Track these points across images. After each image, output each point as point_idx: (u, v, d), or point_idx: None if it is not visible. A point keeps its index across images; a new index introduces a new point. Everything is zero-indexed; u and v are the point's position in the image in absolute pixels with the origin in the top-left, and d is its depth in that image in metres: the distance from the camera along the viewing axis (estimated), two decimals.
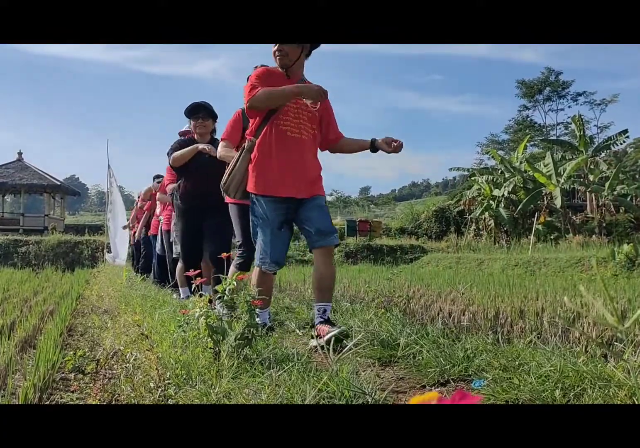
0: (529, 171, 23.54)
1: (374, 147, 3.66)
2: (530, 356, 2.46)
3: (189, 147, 5.15)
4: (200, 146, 4.98)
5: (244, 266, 4.25)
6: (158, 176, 9.22)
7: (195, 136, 5.36)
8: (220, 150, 4.18)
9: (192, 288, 3.69)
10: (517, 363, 2.39)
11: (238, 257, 4.27)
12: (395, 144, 3.57)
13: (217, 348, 2.42)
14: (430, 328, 3.32)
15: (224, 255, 3.30)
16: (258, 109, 3.50)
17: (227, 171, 3.67)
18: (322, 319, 3.38)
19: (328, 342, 2.81)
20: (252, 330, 2.47)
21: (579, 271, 12.69)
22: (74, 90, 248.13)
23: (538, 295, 5.17)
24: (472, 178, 27.42)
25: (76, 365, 2.88)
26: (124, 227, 12.78)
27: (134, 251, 11.21)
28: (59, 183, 32.13)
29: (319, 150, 3.78)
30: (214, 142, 5.13)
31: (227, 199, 4.25)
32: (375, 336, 3.24)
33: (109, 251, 16.46)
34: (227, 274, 3.74)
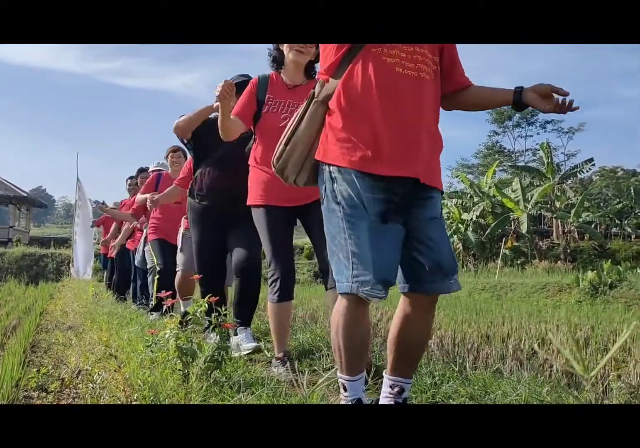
0: (497, 196, 23.93)
1: (520, 101, 2.09)
2: (496, 384, 2.50)
3: (200, 109, 3.82)
4: (216, 104, 3.36)
5: (285, 294, 3.09)
6: (142, 170, 7.49)
7: None
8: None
9: (163, 310, 3.40)
10: (483, 391, 2.43)
11: (271, 284, 3.11)
12: (560, 100, 2.02)
13: (186, 370, 2.41)
14: None
15: (195, 277, 3.10)
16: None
17: (283, 137, 2.16)
18: None
19: None
20: (222, 352, 2.46)
21: (544, 297, 12.89)
22: (43, 100, 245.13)
23: (504, 321, 5.24)
24: (442, 201, 27.70)
25: (39, 383, 2.83)
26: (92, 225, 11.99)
27: (114, 264, 9.47)
28: (25, 194, 31.69)
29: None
30: None
31: (249, 200, 3.16)
32: None
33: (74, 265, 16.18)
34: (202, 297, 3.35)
